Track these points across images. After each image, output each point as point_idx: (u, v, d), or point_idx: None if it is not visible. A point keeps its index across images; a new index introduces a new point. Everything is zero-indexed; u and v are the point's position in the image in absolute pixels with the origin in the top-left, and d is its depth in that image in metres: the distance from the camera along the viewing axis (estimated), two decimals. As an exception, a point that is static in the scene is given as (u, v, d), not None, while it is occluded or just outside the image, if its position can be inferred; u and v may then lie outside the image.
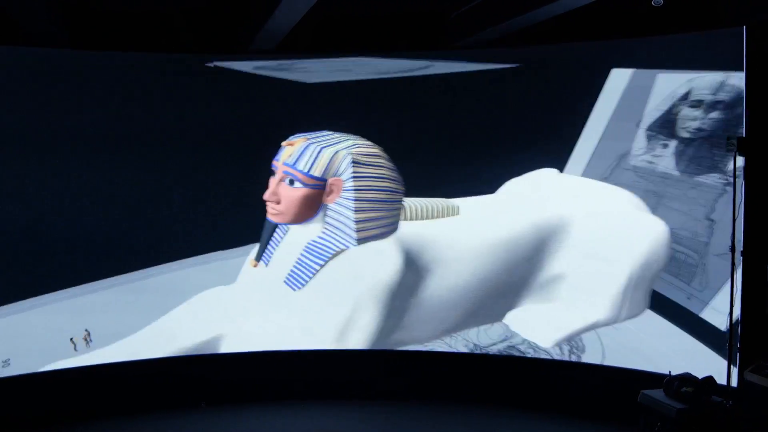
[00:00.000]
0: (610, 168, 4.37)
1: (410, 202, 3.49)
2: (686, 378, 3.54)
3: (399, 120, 4.59)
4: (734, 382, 3.67)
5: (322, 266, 3.13)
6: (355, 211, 3.06)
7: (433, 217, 3.55)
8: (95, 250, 4.45)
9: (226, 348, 3.78)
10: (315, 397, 4.79)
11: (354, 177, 3.05)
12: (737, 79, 3.85)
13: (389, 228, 3.36)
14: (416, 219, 3.55)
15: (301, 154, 3.18)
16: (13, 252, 4.28)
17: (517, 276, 3.68)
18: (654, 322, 4.23)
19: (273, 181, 3.37)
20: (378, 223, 3.19)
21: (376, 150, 3.31)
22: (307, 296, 3.22)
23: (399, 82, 4.65)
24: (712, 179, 3.98)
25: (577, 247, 3.74)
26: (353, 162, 3.11)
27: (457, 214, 3.63)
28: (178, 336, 3.50)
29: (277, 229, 3.67)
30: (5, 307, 4.19)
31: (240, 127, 4.42)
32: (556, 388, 4.63)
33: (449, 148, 4.69)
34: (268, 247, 3.61)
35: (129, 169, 4.44)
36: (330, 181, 3.15)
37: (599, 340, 4.28)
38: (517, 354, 4.40)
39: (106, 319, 4.21)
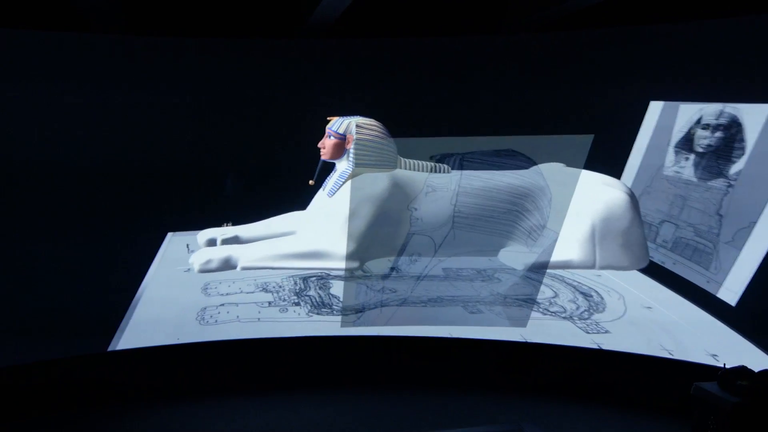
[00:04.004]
0: (651, 178, 5.14)
1: (405, 159, 5.14)
2: (742, 371, 3.47)
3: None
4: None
5: (343, 183, 4.92)
6: (355, 149, 4.89)
7: (422, 171, 5.13)
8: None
9: (300, 231, 5.22)
10: (327, 385, 5.08)
11: (357, 134, 4.89)
12: (731, 108, 4.72)
13: (383, 165, 5.06)
14: (409, 169, 5.14)
15: (335, 123, 5.04)
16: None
17: (500, 221, 5.02)
18: (681, 303, 4.88)
19: (324, 138, 5.14)
20: (371, 159, 4.99)
21: (373, 121, 5.07)
22: (335, 200, 4.98)
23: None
24: (719, 183, 4.75)
25: (551, 206, 5.01)
26: (357, 126, 4.96)
27: (448, 172, 5.09)
28: (270, 225, 5.29)
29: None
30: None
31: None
32: (596, 377, 4.93)
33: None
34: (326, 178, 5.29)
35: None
36: (347, 136, 4.97)
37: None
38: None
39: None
